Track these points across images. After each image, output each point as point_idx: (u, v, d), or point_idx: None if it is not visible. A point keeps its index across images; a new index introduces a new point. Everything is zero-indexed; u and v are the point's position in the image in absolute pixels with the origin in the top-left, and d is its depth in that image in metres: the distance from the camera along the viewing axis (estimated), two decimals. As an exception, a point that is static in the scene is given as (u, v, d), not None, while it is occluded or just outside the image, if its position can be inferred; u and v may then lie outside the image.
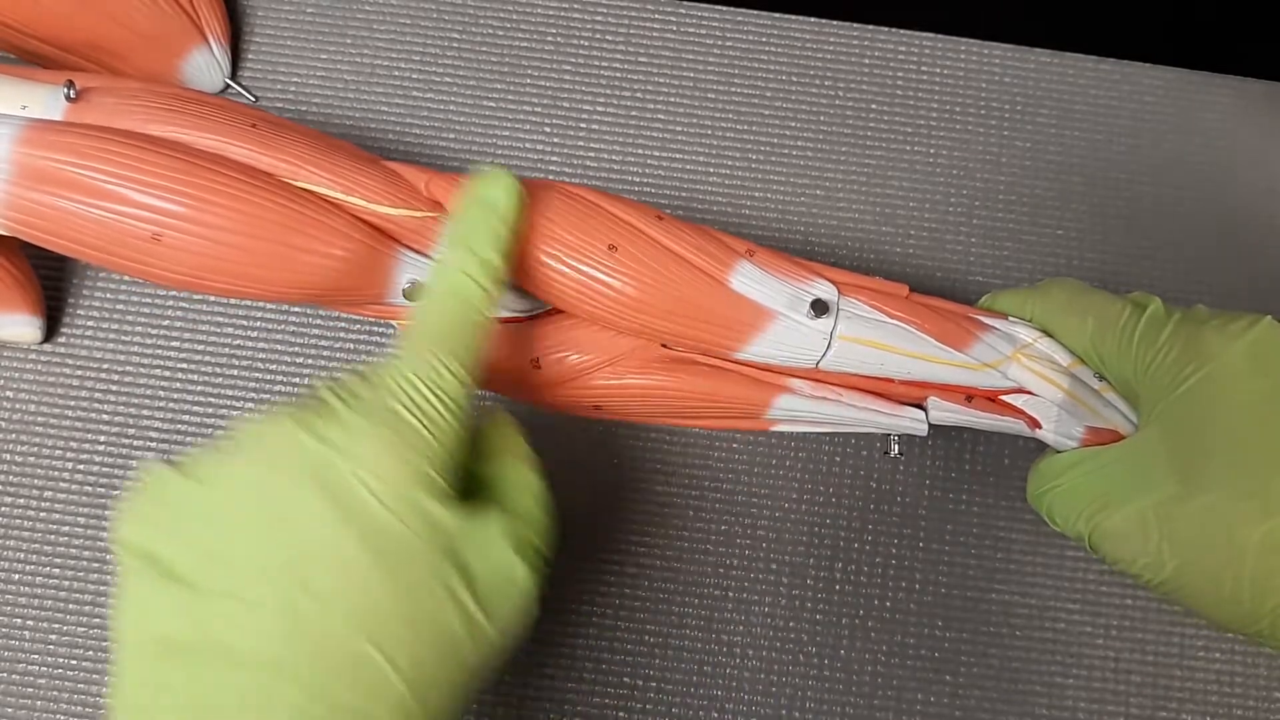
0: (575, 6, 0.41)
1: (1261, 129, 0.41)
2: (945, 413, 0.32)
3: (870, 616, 0.37)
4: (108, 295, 0.38)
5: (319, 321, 0.38)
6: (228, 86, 0.40)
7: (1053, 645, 0.37)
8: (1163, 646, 0.37)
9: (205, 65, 0.39)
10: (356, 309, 0.32)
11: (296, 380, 0.38)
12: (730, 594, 0.37)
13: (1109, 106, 0.41)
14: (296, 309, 0.38)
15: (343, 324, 0.38)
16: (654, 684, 0.36)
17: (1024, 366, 0.31)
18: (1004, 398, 0.32)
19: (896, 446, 0.33)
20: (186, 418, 0.37)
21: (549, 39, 0.41)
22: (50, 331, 0.38)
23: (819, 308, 0.30)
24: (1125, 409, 0.31)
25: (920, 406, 0.32)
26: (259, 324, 0.38)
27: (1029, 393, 0.32)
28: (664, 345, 0.31)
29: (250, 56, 0.40)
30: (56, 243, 0.29)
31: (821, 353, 0.31)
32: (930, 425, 0.32)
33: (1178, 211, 0.40)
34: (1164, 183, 0.40)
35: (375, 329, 0.38)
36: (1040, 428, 0.31)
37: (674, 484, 0.38)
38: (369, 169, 0.30)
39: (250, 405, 0.38)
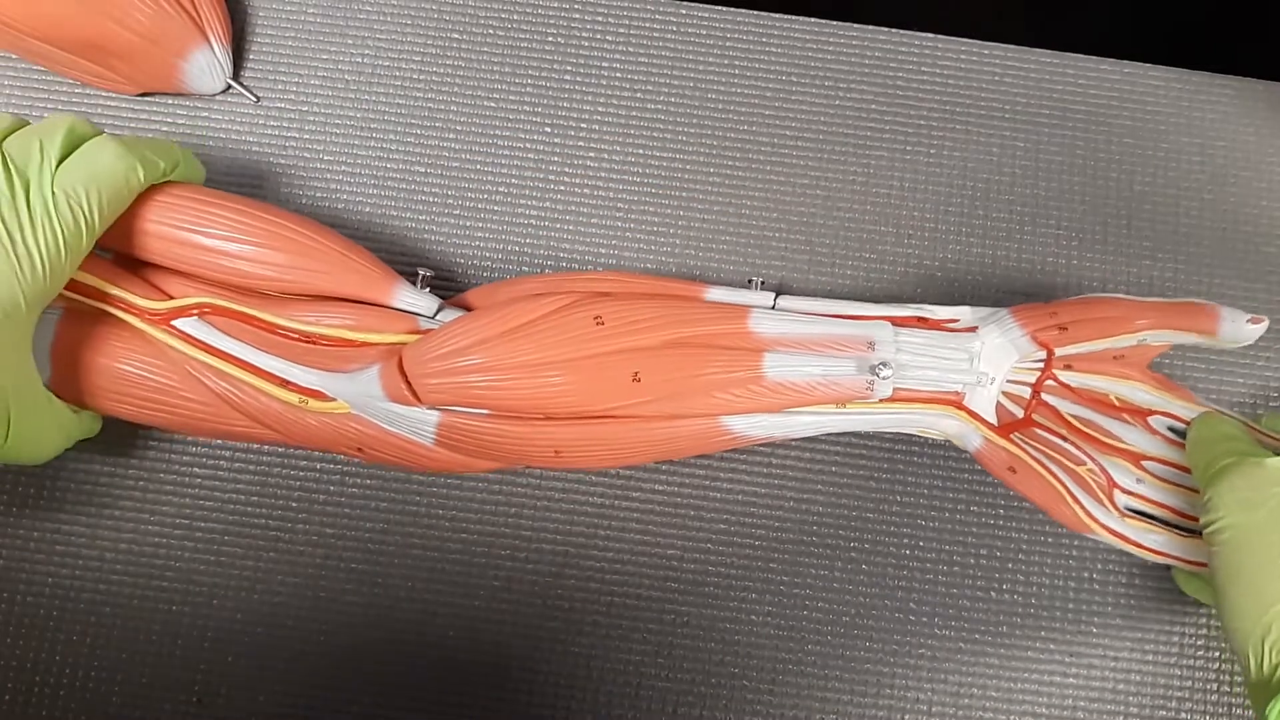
0: (576, 7, 0.41)
1: (1260, 129, 0.41)
2: (906, 334, 0.34)
3: (870, 615, 0.37)
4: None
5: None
6: (229, 86, 0.40)
7: (1052, 644, 0.37)
8: (1162, 645, 0.37)
9: (207, 65, 0.39)
10: (359, 303, 0.34)
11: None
12: (731, 594, 0.37)
13: (1109, 106, 0.41)
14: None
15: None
16: (656, 683, 0.36)
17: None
18: (946, 326, 0.35)
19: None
20: (188, 417, 0.38)
21: (549, 39, 0.41)
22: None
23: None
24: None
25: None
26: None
27: (955, 320, 0.35)
28: None
29: (252, 56, 0.41)
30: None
31: (772, 301, 0.35)
32: (895, 337, 0.34)
33: (1177, 211, 0.40)
34: (1163, 182, 0.40)
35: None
36: (977, 330, 0.34)
37: (674, 484, 0.38)
38: None
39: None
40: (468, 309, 0.35)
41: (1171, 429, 0.35)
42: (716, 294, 0.35)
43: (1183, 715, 0.36)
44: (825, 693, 0.36)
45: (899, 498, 0.38)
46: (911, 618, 0.37)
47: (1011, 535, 0.38)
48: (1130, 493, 0.34)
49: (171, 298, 0.33)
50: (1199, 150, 0.41)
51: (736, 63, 0.41)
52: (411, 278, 0.35)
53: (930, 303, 0.36)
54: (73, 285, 0.32)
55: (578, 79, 0.41)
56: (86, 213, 0.29)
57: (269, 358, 0.33)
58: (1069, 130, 0.41)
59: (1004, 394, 0.35)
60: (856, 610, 0.37)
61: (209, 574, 0.37)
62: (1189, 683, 0.37)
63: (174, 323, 0.33)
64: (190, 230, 0.32)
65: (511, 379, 0.32)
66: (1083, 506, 0.33)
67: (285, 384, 0.33)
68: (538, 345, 0.32)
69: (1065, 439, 0.34)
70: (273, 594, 0.36)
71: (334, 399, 0.33)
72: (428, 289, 0.35)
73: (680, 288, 0.35)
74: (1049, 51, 0.42)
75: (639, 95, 0.41)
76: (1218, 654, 0.37)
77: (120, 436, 0.37)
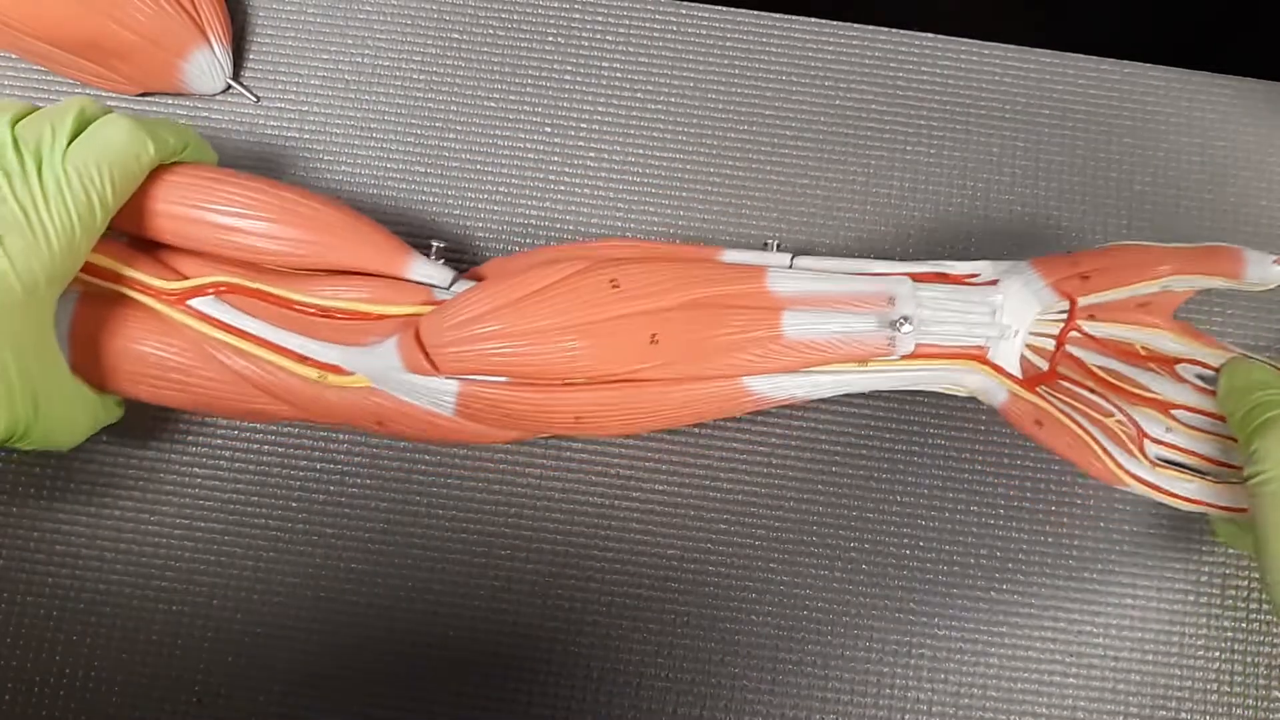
0: (576, 7, 0.41)
1: (1260, 129, 0.41)
2: (926, 289, 0.34)
3: (870, 615, 0.37)
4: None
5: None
6: (229, 86, 0.40)
7: (1052, 644, 0.37)
8: (1162, 645, 0.37)
9: (207, 65, 0.39)
10: (375, 275, 0.34)
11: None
12: (731, 594, 0.37)
13: (1109, 106, 0.41)
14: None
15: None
16: (656, 683, 0.36)
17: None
18: (966, 280, 0.35)
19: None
20: (187, 416, 0.38)
21: (550, 39, 0.41)
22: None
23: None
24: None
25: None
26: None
27: (975, 274, 0.35)
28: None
29: (252, 56, 0.41)
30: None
31: (789, 261, 0.34)
32: (914, 292, 0.33)
33: (1177, 211, 0.40)
34: (1163, 183, 0.40)
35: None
36: (998, 283, 0.34)
37: (674, 484, 0.38)
38: None
39: (251, 404, 0.38)
40: (481, 281, 0.35)
41: (1200, 376, 0.34)
42: (733, 256, 0.35)
43: (1182, 715, 0.36)
44: (825, 693, 0.36)
45: (899, 498, 0.38)
46: (911, 618, 0.37)
47: (1011, 535, 0.38)
48: (1160, 442, 0.33)
49: (186, 277, 0.33)
50: (1199, 150, 0.41)
51: (736, 63, 0.41)
52: (425, 250, 0.35)
53: (949, 258, 0.35)
54: (88, 268, 0.33)
55: (578, 79, 0.41)
56: (99, 188, 0.30)
57: (286, 334, 0.33)
58: (1069, 130, 0.41)
59: (1028, 347, 0.34)
60: (856, 610, 0.37)
61: (209, 574, 0.37)
62: (1189, 683, 0.37)
63: (190, 302, 0.33)
64: (202, 208, 0.32)
65: (528, 345, 0.32)
66: (1113, 458, 0.32)
67: (303, 360, 0.33)
68: (553, 310, 0.32)
69: (1092, 390, 0.34)
70: (273, 594, 0.36)
71: (352, 373, 0.33)
72: (441, 260, 0.35)
73: (696, 251, 0.35)
74: (1049, 51, 0.42)
75: (639, 95, 0.41)
76: (1218, 654, 0.37)
77: (121, 436, 0.37)
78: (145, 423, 0.37)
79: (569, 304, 0.32)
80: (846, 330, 0.33)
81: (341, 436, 0.38)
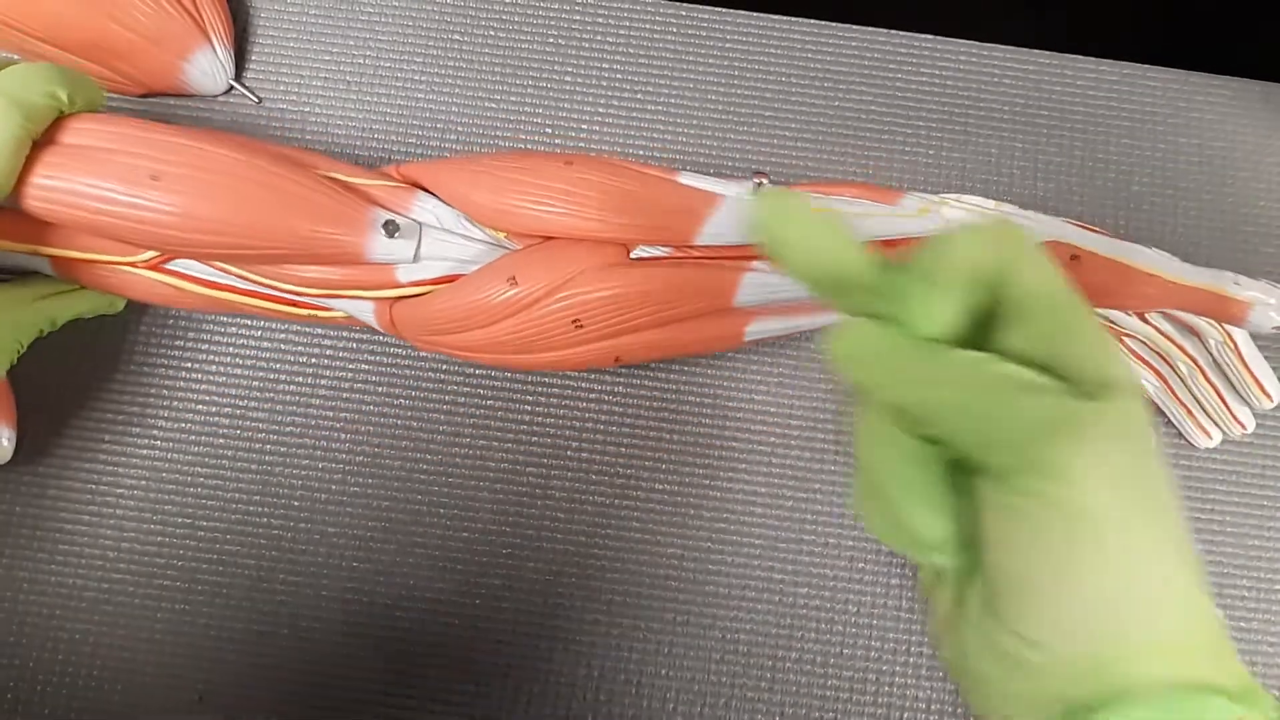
0: (576, 8, 0.41)
1: (1259, 130, 0.41)
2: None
3: (870, 615, 0.37)
4: (111, 295, 0.38)
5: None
6: (231, 88, 0.40)
7: (1051, 643, 0.37)
8: (1160, 644, 0.37)
9: (209, 66, 0.39)
10: (335, 264, 0.34)
11: (300, 379, 0.38)
12: (731, 593, 0.37)
13: (1107, 107, 0.41)
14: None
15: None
16: (656, 681, 0.36)
17: (954, 207, 0.35)
18: None
19: None
20: (190, 416, 0.38)
21: (550, 41, 0.41)
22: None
23: (761, 187, 0.34)
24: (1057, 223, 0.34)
25: None
26: (262, 323, 0.38)
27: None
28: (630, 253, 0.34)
29: (254, 57, 0.41)
30: (65, 206, 0.31)
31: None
32: None
33: (1175, 212, 0.40)
34: (1161, 183, 0.41)
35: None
36: None
37: (674, 483, 0.38)
38: (343, 162, 0.35)
39: (254, 405, 0.38)
40: (422, 187, 0.35)
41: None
42: (710, 231, 0.33)
43: (1180, 714, 0.36)
44: (825, 690, 0.36)
45: (898, 497, 0.38)
46: (911, 616, 0.37)
47: (1010, 534, 0.38)
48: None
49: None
50: (1197, 151, 0.41)
51: (736, 63, 0.41)
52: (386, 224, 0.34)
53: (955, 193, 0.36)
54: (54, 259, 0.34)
55: (578, 81, 0.41)
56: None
57: (273, 283, 0.34)
58: (1067, 131, 0.41)
59: None
60: (857, 608, 0.37)
61: (211, 573, 0.37)
62: (1187, 681, 0.37)
63: (170, 265, 0.34)
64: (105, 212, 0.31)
65: (496, 360, 0.35)
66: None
67: (293, 304, 0.35)
68: (518, 344, 0.34)
69: None
70: (275, 593, 0.37)
71: (338, 311, 0.35)
72: (398, 235, 0.33)
73: (669, 225, 0.33)
74: (1047, 53, 0.42)
75: (639, 97, 0.41)
76: (1215, 653, 0.37)
77: (123, 434, 0.37)
78: (147, 421, 0.38)
79: (532, 338, 0.34)
80: (810, 326, 0.35)
81: (343, 435, 0.38)
